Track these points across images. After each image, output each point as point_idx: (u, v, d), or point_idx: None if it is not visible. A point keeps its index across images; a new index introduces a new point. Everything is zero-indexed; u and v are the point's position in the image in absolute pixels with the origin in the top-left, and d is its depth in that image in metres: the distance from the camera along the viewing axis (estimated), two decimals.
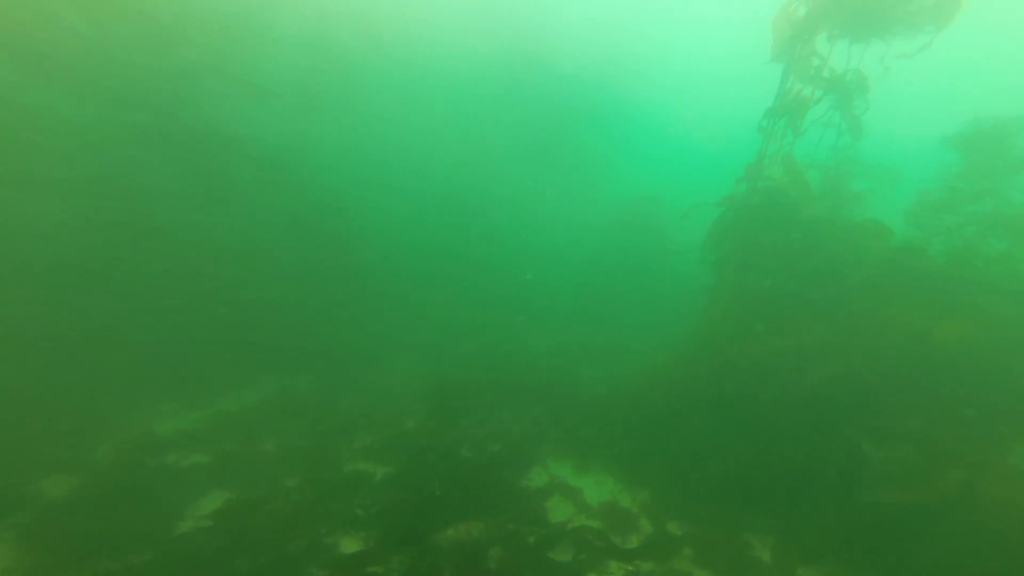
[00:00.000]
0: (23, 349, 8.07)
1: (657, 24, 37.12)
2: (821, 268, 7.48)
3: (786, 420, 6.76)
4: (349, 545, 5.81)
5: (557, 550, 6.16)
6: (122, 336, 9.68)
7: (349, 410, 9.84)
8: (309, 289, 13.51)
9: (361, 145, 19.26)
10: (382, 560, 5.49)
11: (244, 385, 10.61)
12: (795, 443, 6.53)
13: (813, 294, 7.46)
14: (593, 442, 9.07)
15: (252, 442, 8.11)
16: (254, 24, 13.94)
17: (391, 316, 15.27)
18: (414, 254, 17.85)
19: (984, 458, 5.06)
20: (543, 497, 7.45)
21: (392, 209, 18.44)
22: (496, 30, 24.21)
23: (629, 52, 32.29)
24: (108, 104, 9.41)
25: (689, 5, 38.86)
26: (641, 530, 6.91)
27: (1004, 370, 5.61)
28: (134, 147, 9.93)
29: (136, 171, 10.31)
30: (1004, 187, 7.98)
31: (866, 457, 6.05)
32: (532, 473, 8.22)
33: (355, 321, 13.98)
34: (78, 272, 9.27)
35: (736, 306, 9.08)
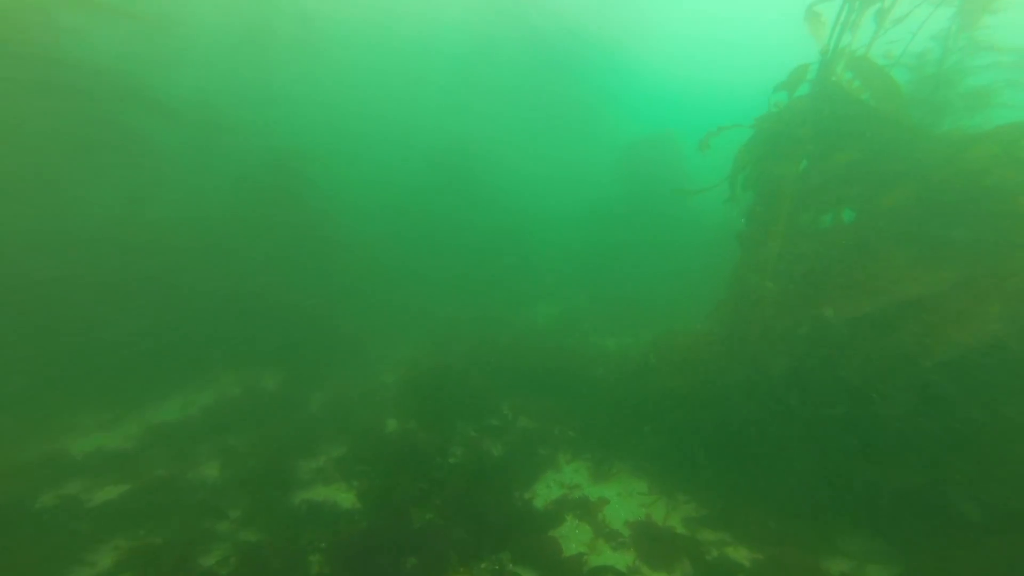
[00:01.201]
0: None
1: None
2: (926, 198, 5.37)
3: (889, 409, 4.88)
4: None
5: None
6: (43, 330, 8.04)
7: (319, 411, 8.22)
8: (276, 268, 11.68)
9: (328, 103, 16.86)
10: None
11: (201, 385, 9.00)
12: (911, 441, 4.68)
13: (913, 236, 5.38)
14: (617, 436, 7.34)
15: (190, 463, 6.52)
16: None
17: (376, 291, 13.44)
18: (397, 221, 15.78)
19: None
20: (555, 519, 5.79)
21: (368, 172, 16.24)
22: None
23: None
24: None
25: None
26: (687, 563, 5.24)
27: None
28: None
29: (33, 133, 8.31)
30: None
31: None
32: (539, 483, 6.57)
33: (334, 300, 12.20)
34: None
35: (787, 255, 7.04)
